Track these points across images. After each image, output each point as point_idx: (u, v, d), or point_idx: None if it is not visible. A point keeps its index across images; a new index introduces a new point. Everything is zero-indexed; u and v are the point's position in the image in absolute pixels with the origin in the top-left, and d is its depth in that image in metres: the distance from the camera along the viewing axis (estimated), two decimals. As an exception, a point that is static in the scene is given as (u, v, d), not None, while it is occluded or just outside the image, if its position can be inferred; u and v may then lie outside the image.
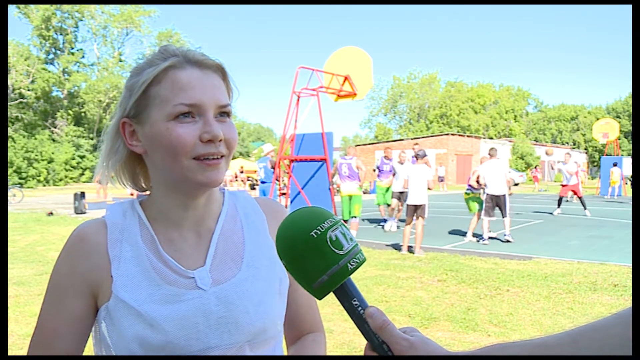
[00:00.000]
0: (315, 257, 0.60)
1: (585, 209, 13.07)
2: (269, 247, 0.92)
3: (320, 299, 0.62)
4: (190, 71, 0.81)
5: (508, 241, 8.76)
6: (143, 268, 0.82)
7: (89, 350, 0.86)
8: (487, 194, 8.84)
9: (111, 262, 0.82)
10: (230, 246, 0.89)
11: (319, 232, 0.60)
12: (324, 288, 0.60)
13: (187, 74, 0.81)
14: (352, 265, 0.60)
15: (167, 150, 0.80)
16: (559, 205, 13.77)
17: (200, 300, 0.82)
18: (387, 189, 10.76)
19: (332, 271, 0.59)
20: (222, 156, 0.82)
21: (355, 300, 0.61)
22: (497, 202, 8.79)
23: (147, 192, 0.93)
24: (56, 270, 0.84)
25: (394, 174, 10.33)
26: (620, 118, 58.21)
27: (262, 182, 10.98)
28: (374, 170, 11.41)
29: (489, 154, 8.98)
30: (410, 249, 7.83)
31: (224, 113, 0.83)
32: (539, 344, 0.52)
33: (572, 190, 13.32)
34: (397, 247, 8.37)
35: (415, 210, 7.59)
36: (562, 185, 13.52)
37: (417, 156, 7.84)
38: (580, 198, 13.15)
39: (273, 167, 10.57)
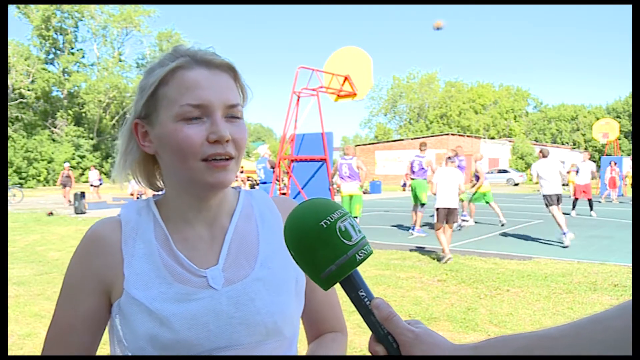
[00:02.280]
0: (325, 247, 0.60)
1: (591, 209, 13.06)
2: (284, 247, 0.92)
3: (326, 289, 0.62)
4: (198, 71, 0.81)
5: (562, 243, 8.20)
6: (155, 266, 0.82)
7: (100, 349, 0.86)
8: (543, 195, 8.52)
9: (124, 259, 0.83)
10: (244, 245, 0.89)
11: (329, 223, 0.61)
12: (331, 278, 0.61)
13: (195, 74, 0.80)
14: (360, 256, 0.61)
15: (175, 152, 0.80)
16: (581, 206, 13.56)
17: (211, 299, 0.81)
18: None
19: (340, 261, 0.60)
20: (230, 157, 0.81)
21: (361, 291, 0.62)
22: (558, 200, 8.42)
23: (161, 192, 0.93)
24: (71, 269, 0.85)
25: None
26: (620, 118, 58.20)
27: (263, 183, 10.98)
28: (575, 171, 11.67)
29: (542, 154, 8.69)
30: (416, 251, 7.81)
31: (233, 114, 0.82)
32: (542, 335, 0.52)
33: (583, 191, 13.14)
34: (396, 247, 8.36)
35: (447, 214, 7.08)
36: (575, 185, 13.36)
37: (448, 159, 7.50)
38: (589, 200, 13.06)
39: (273, 167, 10.57)
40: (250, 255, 0.88)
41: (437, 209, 7.15)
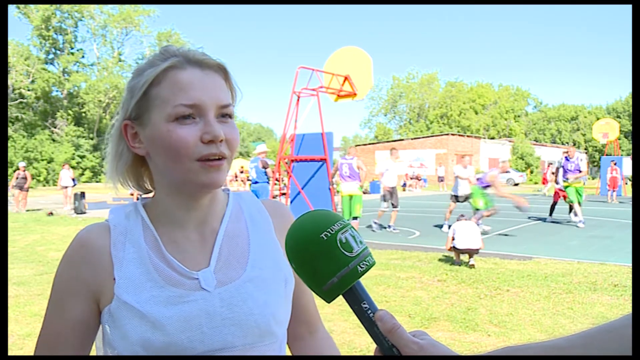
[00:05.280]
0: (325, 259, 0.59)
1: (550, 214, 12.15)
2: (274, 249, 0.91)
3: (329, 301, 0.61)
4: (191, 71, 0.80)
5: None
6: (146, 269, 0.81)
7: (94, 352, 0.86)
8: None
9: (114, 264, 0.82)
10: (234, 247, 0.88)
11: (329, 234, 0.60)
12: (333, 290, 0.60)
13: (188, 74, 0.80)
14: (362, 267, 0.60)
15: (168, 152, 0.79)
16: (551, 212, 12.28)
17: (204, 301, 0.81)
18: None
19: (342, 273, 0.59)
20: (223, 157, 0.81)
21: (364, 303, 0.61)
22: None
23: (150, 194, 0.92)
24: (59, 276, 0.84)
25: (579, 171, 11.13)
26: (620, 118, 58.19)
27: (255, 182, 10.92)
28: (554, 172, 11.69)
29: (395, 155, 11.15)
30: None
31: (225, 114, 0.82)
32: (551, 345, 0.51)
33: (563, 195, 11.70)
34: (396, 247, 8.36)
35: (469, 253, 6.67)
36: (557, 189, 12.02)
37: (462, 216, 7.10)
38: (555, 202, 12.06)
39: (264, 167, 10.54)
40: (241, 257, 0.87)
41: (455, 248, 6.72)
